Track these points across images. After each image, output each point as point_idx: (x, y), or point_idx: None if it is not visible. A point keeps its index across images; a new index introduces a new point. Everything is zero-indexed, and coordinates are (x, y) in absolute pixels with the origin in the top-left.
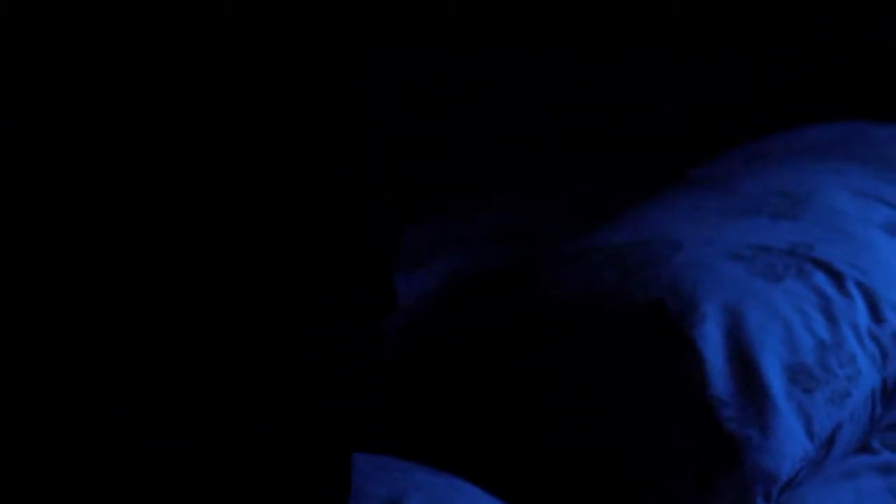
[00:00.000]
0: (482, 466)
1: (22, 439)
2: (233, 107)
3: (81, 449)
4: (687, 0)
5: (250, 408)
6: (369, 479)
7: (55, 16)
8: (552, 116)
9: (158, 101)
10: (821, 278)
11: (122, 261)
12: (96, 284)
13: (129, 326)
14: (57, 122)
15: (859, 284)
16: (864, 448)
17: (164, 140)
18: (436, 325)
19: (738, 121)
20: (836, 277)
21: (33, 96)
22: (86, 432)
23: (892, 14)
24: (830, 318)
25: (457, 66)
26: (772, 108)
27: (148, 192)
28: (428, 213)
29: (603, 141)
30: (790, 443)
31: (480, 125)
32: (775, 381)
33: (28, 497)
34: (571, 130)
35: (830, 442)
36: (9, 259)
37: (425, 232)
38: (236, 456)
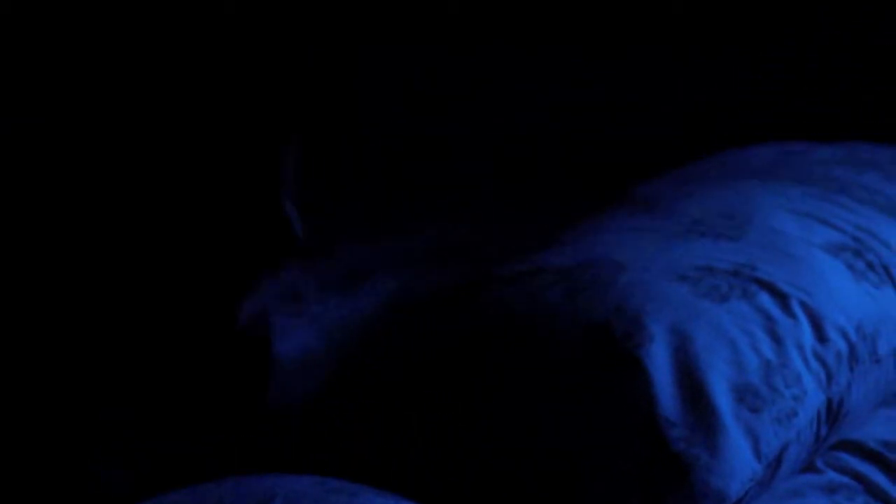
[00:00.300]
0: (427, 488)
1: (23, 439)
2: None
3: (82, 449)
4: (687, 0)
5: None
6: (320, 501)
7: (55, 16)
8: (552, 116)
9: (150, 100)
10: (765, 299)
11: (114, 259)
12: (89, 285)
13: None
14: (56, 122)
15: (803, 305)
16: (809, 468)
17: (154, 142)
18: (375, 346)
19: (738, 121)
20: (781, 298)
21: (33, 96)
22: (86, 432)
23: (892, 14)
24: (776, 338)
25: (457, 66)
26: (772, 108)
27: (137, 195)
28: (364, 233)
29: (603, 141)
30: (738, 463)
31: (480, 125)
32: (723, 401)
33: (28, 496)
34: (571, 130)
35: (778, 462)
36: (7, 259)
37: (361, 253)
38: (236, 456)
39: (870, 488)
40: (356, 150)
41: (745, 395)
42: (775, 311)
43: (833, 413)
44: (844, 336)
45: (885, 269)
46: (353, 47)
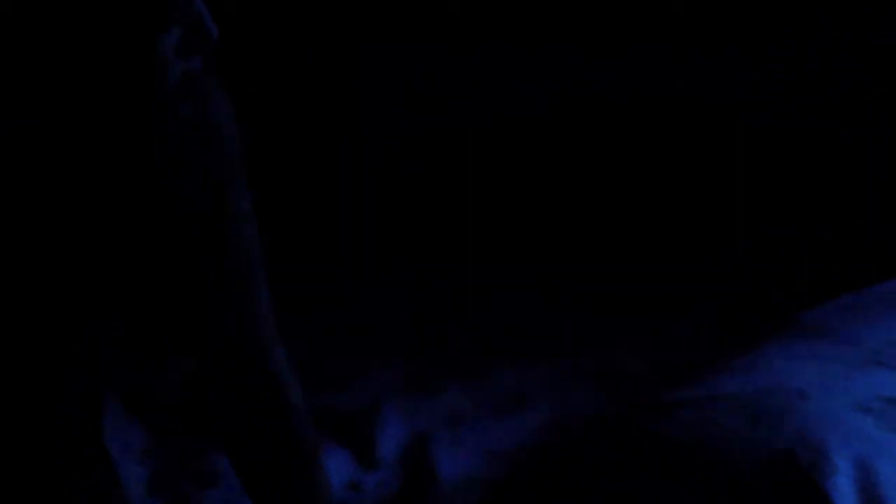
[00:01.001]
0: None
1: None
2: None
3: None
4: (687, 0)
5: None
6: None
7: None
8: (552, 116)
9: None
10: None
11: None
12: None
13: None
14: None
15: None
16: None
17: None
18: (547, 472)
19: (738, 121)
20: None
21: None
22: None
23: (892, 14)
24: None
25: (457, 66)
26: (772, 108)
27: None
28: (515, 356)
29: (603, 141)
30: None
31: (480, 125)
32: None
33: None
34: (571, 130)
35: None
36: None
37: (514, 377)
38: None
39: None
40: (356, 150)
41: None
42: None
43: None
44: None
45: None
46: (353, 47)
